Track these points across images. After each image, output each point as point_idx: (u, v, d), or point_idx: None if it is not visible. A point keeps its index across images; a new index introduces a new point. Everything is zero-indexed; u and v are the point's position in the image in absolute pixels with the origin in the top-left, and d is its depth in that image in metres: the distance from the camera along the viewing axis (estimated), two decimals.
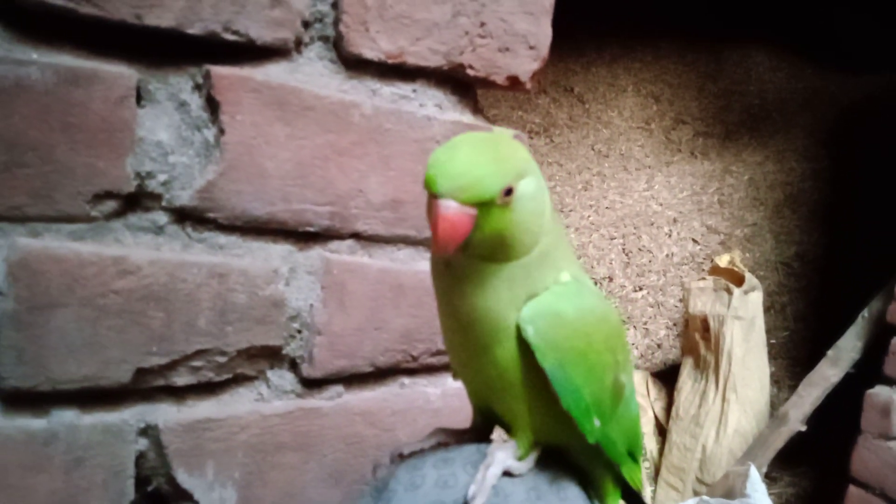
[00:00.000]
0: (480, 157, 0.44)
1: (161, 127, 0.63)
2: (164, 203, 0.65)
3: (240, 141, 0.65)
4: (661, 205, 2.85)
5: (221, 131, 0.65)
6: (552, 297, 0.48)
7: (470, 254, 0.46)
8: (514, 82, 0.77)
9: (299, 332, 0.73)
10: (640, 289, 2.65)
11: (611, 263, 2.77)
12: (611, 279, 2.67)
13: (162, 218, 0.65)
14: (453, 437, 0.57)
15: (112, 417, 0.66)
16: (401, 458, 0.55)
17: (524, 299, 0.48)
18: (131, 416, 0.67)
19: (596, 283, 2.60)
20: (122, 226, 0.64)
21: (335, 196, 0.71)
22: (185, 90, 0.64)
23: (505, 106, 3.32)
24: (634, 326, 2.52)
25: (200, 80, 0.64)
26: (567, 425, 0.50)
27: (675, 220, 2.78)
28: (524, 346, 0.48)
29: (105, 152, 0.61)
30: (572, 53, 3.42)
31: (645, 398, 2.33)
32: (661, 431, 2.23)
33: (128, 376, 0.65)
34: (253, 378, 0.73)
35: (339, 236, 0.73)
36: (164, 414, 0.68)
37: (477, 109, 0.79)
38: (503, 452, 0.51)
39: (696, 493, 1.96)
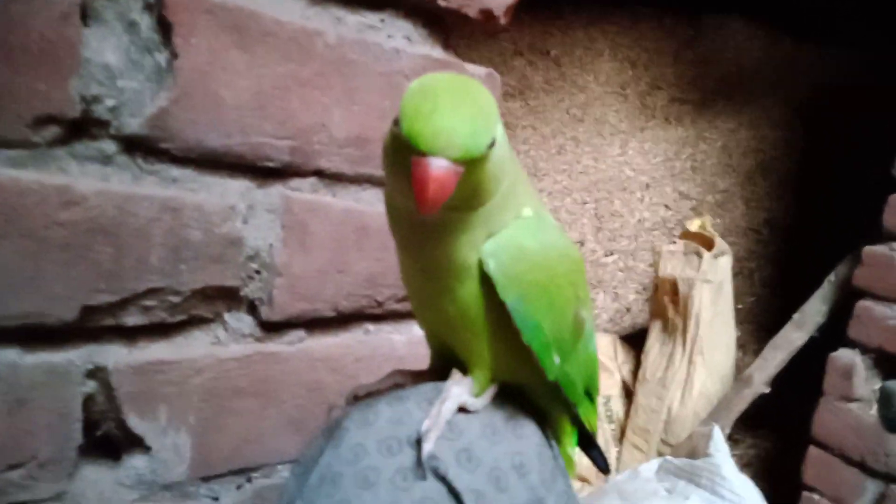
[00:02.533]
0: (466, 109, 0.41)
1: (109, 48, 0.59)
2: (111, 131, 0.61)
3: (194, 67, 0.61)
4: (634, 170, 2.85)
5: (174, 55, 0.61)
6: (514, 232, 0.47)
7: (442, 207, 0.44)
8: (487, 16, 0.74)
9: (258, 272, 0.70)
10: (611, 253, 2.64)
11: (582, 228, 2.76)
12: (582, 243, 2.66)
13: (110, 147, 0.61)
14: (410, 379, 0.56)
15: (57, 358, 0.63)
16: (356, 399, 0.53)
17: (485, 235, 0.46)
18: (78, 356, 0.64)
19: None
20: (66, 154, 0.60)
21: (296, 130, 0.68)
22: (135, 9, 0.60)
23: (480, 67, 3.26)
24: (604, 291, 2.52)
25: (152, 0, 0.60)
26: (526, 362, 0.49)
27: (647, 186, 2.77)
28: (486, 282, 0.46)
29: (47, 73, 0.56)
30: (550, 15, 3.38)
31: (612, 361, 2.34)
32: (628, 394, 2.24)
33: (73, 314, 0.61)
34: (209, 320, 0.70)
35: (301, 173, 0.70)
36: (114, 355, 0.65)
37: (448, 45, 0.75)
38: (459, 388, 0.50)
39: (660, 454, 1.98)
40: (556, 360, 0.49)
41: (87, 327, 0.63)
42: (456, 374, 0.51)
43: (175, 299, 0.66)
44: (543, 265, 0.47)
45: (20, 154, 0.58)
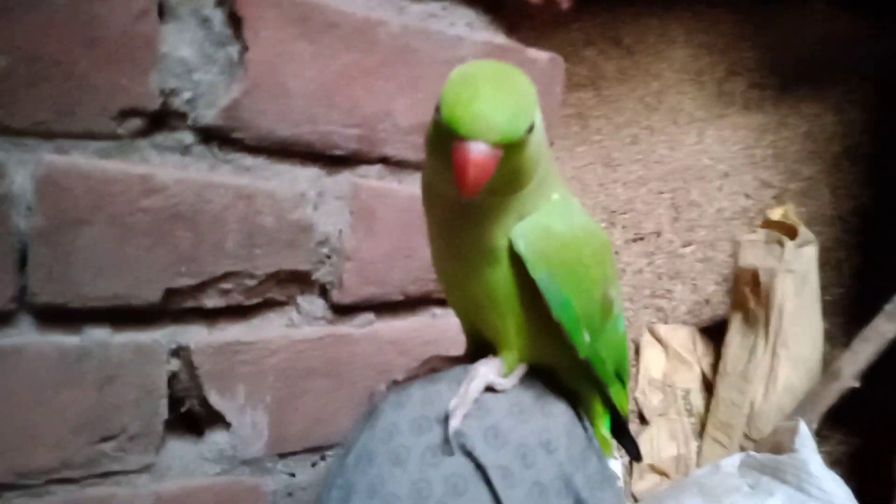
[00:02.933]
0: (505, 94, 0.41)
1: (184, 43, 0.62)
2: (189, 122, 0.64)
3: (263, 59, 0.64)
4: (712, 158, 2.77)
5: (245, 48, 0.63)
6: (543, 215, 0.48)
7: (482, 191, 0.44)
8: (549, 2, 0.74)
9: (328, 257, 0.72)
10: (689, 244, 2.59)
11: (658, 218, 2.71)
12: (658, 234, 2.61)
13: (188, 137, 0.65)
14: (447, 364, 0.57)
15: (144, 337, 0.66)
16: (395, 384, 0.55)
17: (517, 220, 0.47)
18: (163, 336, 0.67)
19: (643, 238, 2.56)
20: (148, 145, 0.64)
21: (362, 118, 0.70)
22: (208, 5, 0.63)
23: (542, 52, 3.23)
24: (682, 282, 2.47)
25: None
26: (555, 342, 0.50)
27: (726, 175, 2.70)
28: (515, 263, 0.47)
29: (128, 68, 0.60)
30: (621, 3, 3.32)
31: (692, 354, 2.29)
32: (709, 388, 2.19)
33: (157, 296, 0.65)
34: (283, 303, 0.73)
35: (368, 160, 0.72)
36: (196, 335, 0.69)
37: (511, 31, 0.76)
38: (486, 367, 0.51)
39: (742, 449, 1.93)
40: (587, 337, 0.50)
41: (171, 309, 0.67)
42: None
43: (251, 283, 0.69)
44: (571, 245, 0.48)
45: (106, 145, 0.62)
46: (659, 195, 2.73)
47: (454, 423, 0.47)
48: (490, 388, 0.50)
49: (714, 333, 2.32)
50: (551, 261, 0.47)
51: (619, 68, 3.14)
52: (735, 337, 2.10)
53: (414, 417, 0.49)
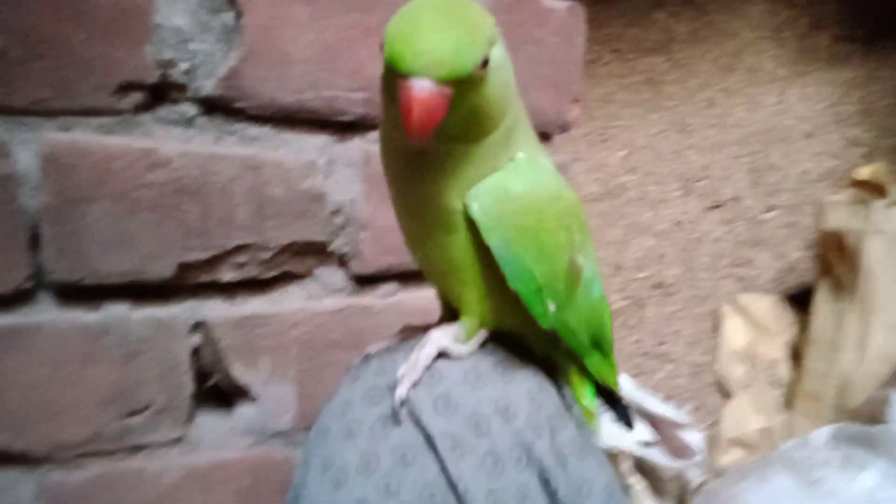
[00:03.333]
0: (451, 25, 0.37)
1: (178, 12, 0.62)
2: (189, 93, 0.63)
3: (259, 24, 0.63)
4: (794, 118, 2.62)
5: (239, 14, 0.62)
6: (502, 174, 0.43)
7: (437, 137, 0.41)
8: None
9: (343, 227, 0.71)
10: (771, 209, 2.46)
11: (737, 184, 2.60)
12: (737, 200, 2.50)
13: (191, 110, 0.64)
14: (419, 332, 0.53)
15: (163, 313, 0.67)
16: (367, 357, 0.52)
17: (476, 179, 0.43)
18: (182, 311, 0.67)
19: (721, 206, 2.45)
20: (150, 119, 0.64)
21: (367, 81, 0.67)
22: None
23: (618, 24, 3.14)
24: (765, 249, 2.35)
25: None
26: (519, 310, 0.45)
27: (810, 135, 2.55)
28: (472, 227, 0.43)
29: (122, 42, 0.60)
30: None
31: (777, 323, 2.19)
32: (796, 358, 2.08)
33: (169, 271, 0.65)
34: (302, 276, 0.72)
35: (377, 125, 0.69)
36: (214, 310, 0.68)
37: None
38: (439, 333, 0.47)
39: (832, 421, 1.82)
40: (552, 307, 0.45)
41: (188, 283, 0.67)
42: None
43: (265, 255, 0.68)
44: (531, 208, 0.44)
45: (108, 121, 0.62)
46: (737, 160, 2.60)
47: (400, 392, 0.44)
48: (445, 356, 0.47)
49: (800, 301, 2.21)
50: (507, 225, 0.43)
51: (691, 30, 3.00)
52: (822, 304, 1.99)
53: (366, 389, 0.47)
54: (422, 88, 0.36)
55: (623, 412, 0.57)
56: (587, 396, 0.54)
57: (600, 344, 0.52)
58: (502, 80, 0.41)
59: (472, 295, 0.47)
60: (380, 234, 0.71)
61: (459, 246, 0.45)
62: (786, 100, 2.68)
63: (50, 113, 0.60)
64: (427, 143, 0.39)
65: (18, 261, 0.61)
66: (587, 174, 2.37)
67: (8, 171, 0.59)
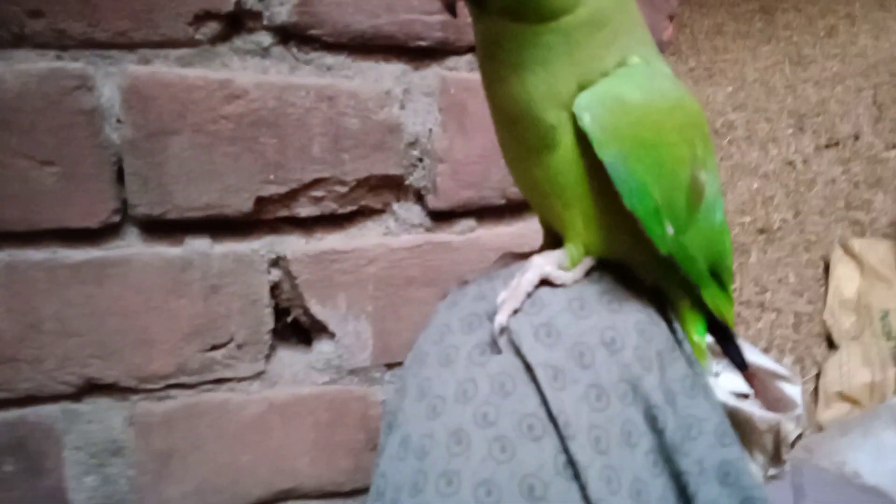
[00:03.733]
0: None
1: None
2: (264, 21, 0.62)
3: None
4: None
5: None
6: (615, 81, 0.39)
7: (489, 9, 0.38)
8: None
9: (420, 160, 0.68)
10: (894, 147, 2.28)
11: (858, 119, 2.41)
12: (857, 137, 2.32)
13: (266, 39, 0.63)
14: (520, 260, 0.50)
15: (242, 247, 0.67)
16: (464, 284, 0.49)
17: (575, 85, 0.39)
18: (261, 246, 0.67)
19: (837, 144, 2.29)
20: (228, 50, 0.62)
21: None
22: None
23: None
24: (884, 191, 2.19)
25: None
26: (631, 234, 0.41)
27: None
28: (580, 140, 0.39)
29: None
30: None
31: (893, 270, 2.04)
32: None
33: (248, 205, 0.65)
34: (380, 211, 0.70)
35: (456, 51, 0.66)
36: (292, 245, 0.68)
37: None
38: (543, 259, 0.43)
39: None
40: (670, 229, 0.41)
41: (266, 218, 0.67)
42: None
43: (341, 189, 0.67)
44: (650, 118, 0.39)
45: (187, 52, 0.61)
46: (858, 93, 2.41)
47: (500, 319, 0.42)
48: (548, 283, 0.44)
49: None
50: (624, 138, 0.39)
51: None
52: None
53: (465, 315, 0.45)
54: None
55: (736, 351, 0.52)
56: (698, 332, 0.49)
57: (720, 274, 0.47)
58: None
59: (578, 218, 0.43)
60: (457, 167, 0.68)
61: (564, 162, 0.41)
62: None
63: (131, 45, 0.60)
64: (472, 11, 0.37)
65: (105, 195, 0.62)
66: None
67: (93, 104, 0.59)
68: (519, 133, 0.42)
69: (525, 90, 0.39)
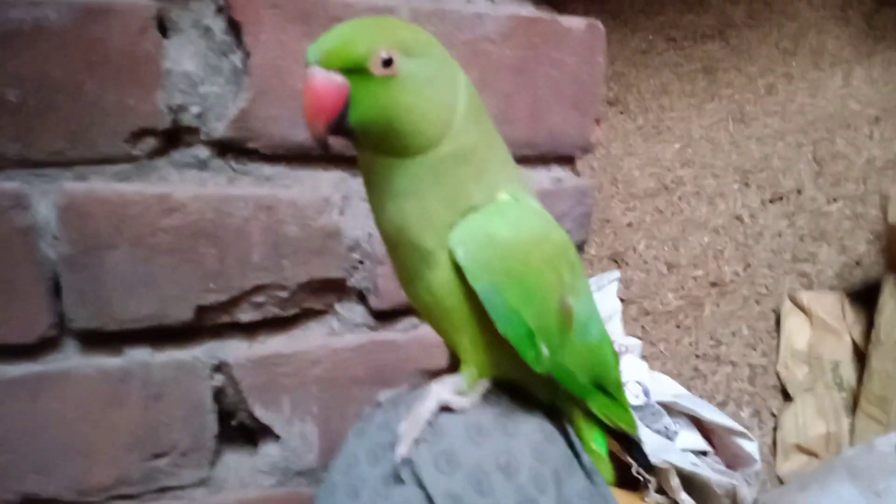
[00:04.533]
0: (359, 24, 0.40)
1: (187, 56, 0.61)
2: (202, 136, 0.63)
3: (267, 63, 0.61)
4: (860, 103, 2.50)
5: (247, 54, 0.61)
6: (485, 217, 0.43)
7: (361, 144, 0.42)
8: None
9: (361, 262, 0.69)
10: (835, 200, 2.36)
11: (799, 174, 2.50)
12: (799, 192, 2.40)
13: (204, 152, 0.64)
14: (427, 378, 0.51)
15: (184, 355, 0.67)
16: (377, 405, 0.51)
17: (446, 213, 0.42)
18: (203, 353, 0.67)
19: (781, 198, 2.36)
20: (166, 164, 0.63)
21: None
22: (208, 14, 0.61)
23: (672, 11, 3.05)
24: (828, 243, 2.26)
25: (222, 2, 0.61)
26: (515, 356, 0.44)
27: (877, 120, 2.43)
28: (457, 270, 0.42)
29: (133, 88, 0.60)
30: None
31: (840, 322, 2.09)
32: (861, 359, 1.99)
33: (189, 314, 0.65)
34: (323, 312, 0.71)
35: None
36: (235, 350, 0.68)
37: None
38: (441, 386, 0.46)
39: None
40: (545, 350, 0.44)
41: (207, 325, 0.67)
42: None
43: (283, 294, 0.67)
44: (518, 252, 0.43)
45: (124, 168, 0.62)
46: (799, 148, 2.50)
47: (400, 450, 0.43)
48: (447, 409, 0.45)
49: (866, 299, 2.11)
50: (494, 271, 0.42)
51: (749, 13, 2.88)
52: (889, 301, 1.89)
53: (370, 446, 0.46)
54: (313, 75, 0.38)
55: (641, 453, 0.55)
56: (596, 440, 0.52)
57: (604, 385, 0.51)
58: (428, 94, 0.41)
59: (468, 342, 0.46)
60: None
61: (446, 286, 0.44)
62: (851, 83, 2.56)
63: (67, 163, 0.60)
64: (323, 135, 0.40)
65: (42, 310, 0.61)
66: (641, 168, 2.31)
67: (29, 222, 0.59)
68: (402, 256, 0.45)
69: (401, 216, 0.43)
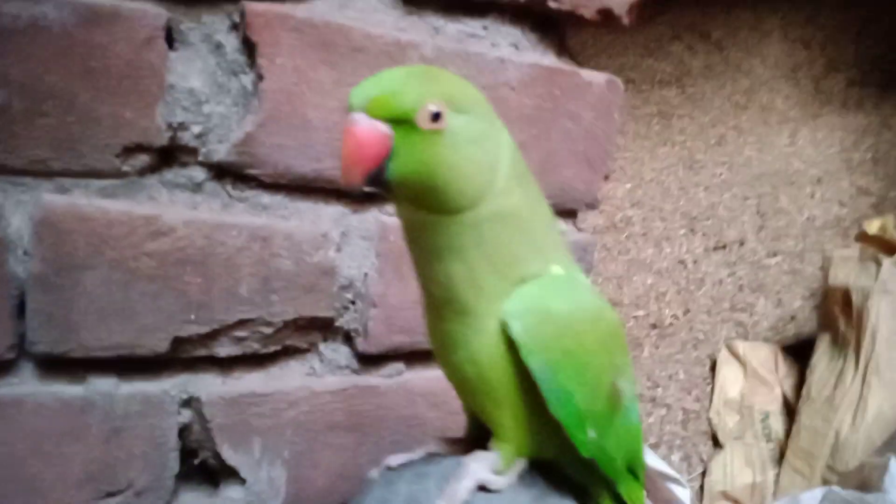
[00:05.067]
0: (403, 73, 0.38)
1: (194, 72, 0.57)
2: (200, 158, 0.58)
3: (280, 88, 0.58)
4: (804, 162, 2.60)
5: (260, 77, 0.57)
6: (541, 291, 0.41)
7: (397, 197, 0.40)
8: (607, 16, 0.65)
9: (353, 303, 0.66)
10: (775, 254, 2.44)
11: (743, 226, 2.57)
12: (742, 243, 2.47)
13: (199, 174, 0.59)
14: (444, 447, 0.50)
15: (152, 387, 0.62)
16: (389, 470, 0.48)
17: (495, 278, 0.41)
18: (172, 386, 0.62)
19: (724, 247, 2.42)
20: (157, 182, 0.59)
21: None
22: (221, 30, 0.57)
23: (633, 54, 3.11)
24: (766, 296, 2.33)
25: (237, 19, 0.57)
26: (557, 436, 0.43)
27: (819, 180, 2.53)
28: (507, 343, 0.41)
29: (132, 101, 0.55)
30: None
31: (773, 374, 2.16)
32: (790, 412, 2.05)
33: (164, 346, 0.60)
34: (304, 351, 0.67)
35: None
36: (208, 386, 0.63)
37: (563, 50, 0.67)
38: (478, 464, 0.44)
39: (825, 482, 1.79)
40: (591, 434, 0.43)
41: (181, 357, 0.62)
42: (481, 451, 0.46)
43: (267, 330, 0.63)
44: (574, 329, 0.42)
45: (110, 184, 0.57)
46: (744, 201, 2.57)
47: None
48: (483, 488, 0.43)
49: (799, 353, 2.18)
50: (550, 348, 0.41)
51: (706, 64, 2.97)
52: (822, 359, 1.96)
53: None
54: (356, 121, 0.37)
55: None
56: None
57: (634, 469, 0.50)
58: (471, 153, 0.39)
59: (508, 419, 0.44)
60: (391, 312, 0.66)
61: (492, 361, 0.42)
62: (797, 142, 2.65)
63: (48, 173, 0.55)
64: (359, 185, 0.38)
65: (2, 330, 0.56)
66: None
67: None
68: (445, 320, 0.43)
69: (447, 277, 0.41)
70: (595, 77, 0.67)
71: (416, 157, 0.37)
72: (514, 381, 0.42)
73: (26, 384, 0.58)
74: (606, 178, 0.69)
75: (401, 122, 0.37)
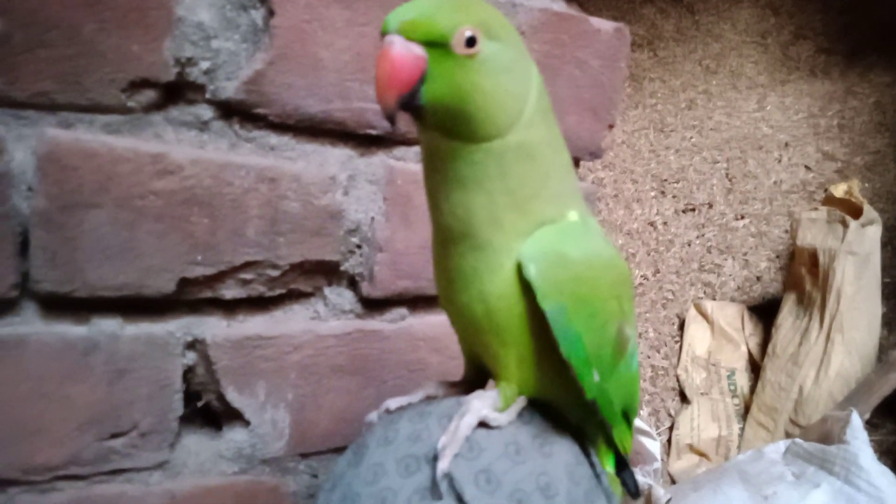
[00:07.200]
0: (443, 0, 0.38)
1: (203, 6, 0.55)
2: (207, 95, 0.57)
3: (291, 25, 0.56)
4: (772, 127, 2.64)
5: (271, 12, 0.56)
6: (557, 236, 0.42)
7: (427, 124, 0.40)
8: None
9: (359, 247, 0.66)
10: (742, 217, 2.48)
11: (712, 189, 2.61)
12: (710, 206, 2.51)
13: (206, 112, 0.58)
14: (443, 390, 0.51)
15: (157, 329, 0.61)
16: (388, 413, 0.49)
17: (514, 214, 0.41)
18: (177, 328, 0.62)
19: (694, 209, 2.46)
20: (162, 119, 0.57)
21: None
22: None
23: (606, 16, 3.08)
24: (733, 257, 2.37)
25: None
26: (560, 377, 0.44)
27: (786, 145, 2.57)
28: (521, 283, 0.41)
29: (139, 34, 0.53)
30: None
31: (739, 332, 2.21)
32: (755, 369, 2.11)
33: (171, 286, 0.59)
34: (309, 295, 0.67)
35: (406, 141, 0.64)
36: (213, 328, 0.63)
37: None
38: (480, 401, 0.45)
39: (788, 435, 1.85)
40: (596, 377, 0.44)
41: (186, 299, 0.62)
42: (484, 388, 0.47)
43: (273, 273, 0.63)
44: (588, 275, 0.42)
45: (115, 119, 0.56)
46: (713, 164, 2.61)
47: (443, 465, 0.41)
48: (484, 424, 0.44)
49: (764, 312, 2.24)
50: (564, 291, 0.41)
51: (678, 28, 2.98)
52: (787, 318, 2.01)
53: (401, 456, 0.44)
54: (391, 42, 0.36)
55: (631, 477, 0.56)
56: (609, 464, 0.54)
57: (629, 414, 0.52)
58: (503, 80, 0.39)
59: (513, 359, 0.45)
60: (396, 256, 0.66)
61: (504, 301, 0.42)
62: (765, 107, 2.69)
63: (52, 107, 0.53)
64: (393, 108, 0.38)
65: (4, 267, 0.54)
66: None
67: (1, 169, 0.52)
68: (459, 255, 0.43)
69: (464, 207, 0.41)
70: (603, 25, 0.67)
71: (449, 82, 0.37)
72: (522, 322, 0.43)
73: (29, 324, 0.57)
74: (611, 127, 0.69)
75: (436, 45, 0.37)
